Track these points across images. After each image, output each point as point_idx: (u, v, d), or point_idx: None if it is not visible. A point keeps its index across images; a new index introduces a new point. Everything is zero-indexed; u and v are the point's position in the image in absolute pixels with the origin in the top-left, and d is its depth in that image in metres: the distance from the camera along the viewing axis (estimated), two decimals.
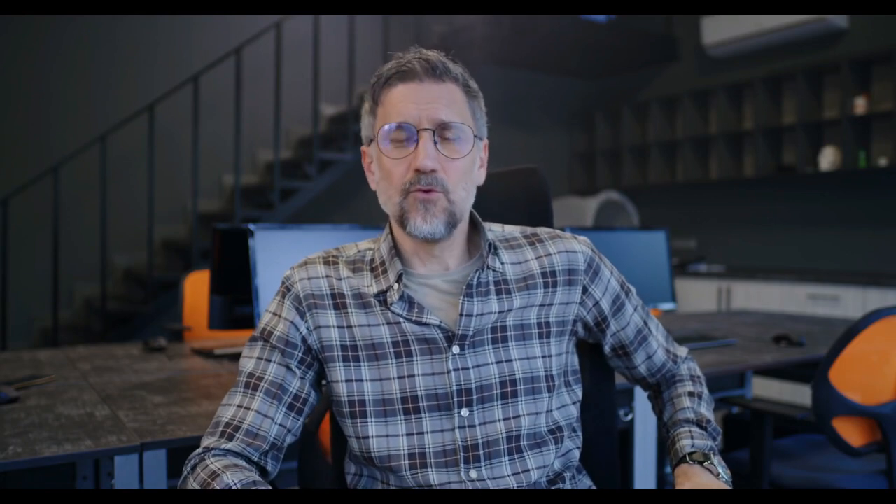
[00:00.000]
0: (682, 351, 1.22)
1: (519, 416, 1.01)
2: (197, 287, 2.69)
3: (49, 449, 1.18)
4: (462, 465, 0.98)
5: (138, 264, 4.64)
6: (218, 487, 0.90)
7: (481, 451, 0.99)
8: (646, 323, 1.16)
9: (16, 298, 4.25)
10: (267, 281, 1.84)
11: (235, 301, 2.00)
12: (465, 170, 1.00)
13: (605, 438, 1.24)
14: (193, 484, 0.93)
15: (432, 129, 0.97)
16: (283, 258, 1.84)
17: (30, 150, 4.48)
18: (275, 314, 1.04)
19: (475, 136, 1.02)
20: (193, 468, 0.95)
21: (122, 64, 4.76)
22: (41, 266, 4.35)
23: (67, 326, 4.43)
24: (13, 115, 4.47)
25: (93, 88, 4.67)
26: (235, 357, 2.09)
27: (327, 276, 1.04)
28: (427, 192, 0.97)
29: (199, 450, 0.97)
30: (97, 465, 1.30)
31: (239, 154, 4.48)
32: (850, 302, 4.19)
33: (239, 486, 0.90)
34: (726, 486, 1.02)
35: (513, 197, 1.26)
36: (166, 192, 4.70)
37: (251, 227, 1.86)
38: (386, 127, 0.99)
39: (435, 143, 0.98)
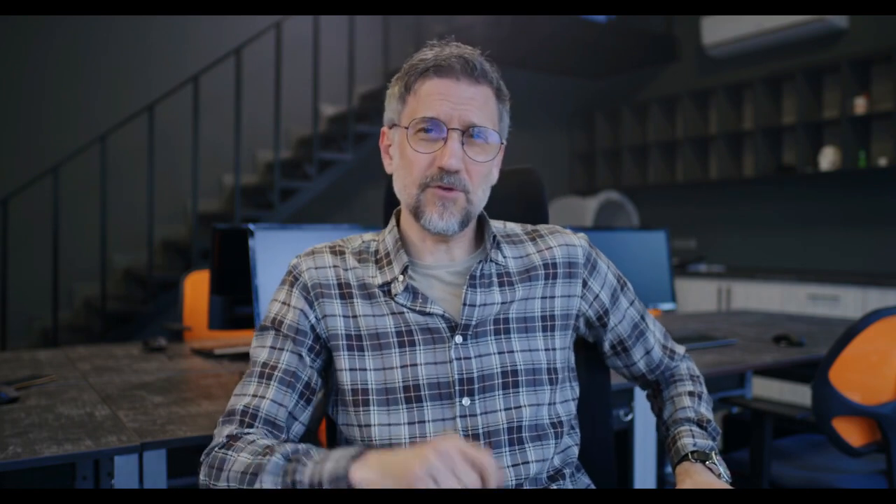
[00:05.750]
0: (680, 349, 1.22)
1: (520, 407, 1.02)
2: (197, 287, 2.68)
3: (49, 449, 1.18)
4: None
5: (138, 264, 4.64)
6: (279, 453, 0.90)
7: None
8: (643, 317, 1.17)
9: (16, 298, 4.25)
10: (267, 281, 1.84)
11: (235, 301, 2.00)
12: (487, 173, 1.03)
13: (602, 438, 1.25)
14: (240, 458, 0.91)
15: (462, 129, 0.99)
16: (283, 258, 1.83)
17: (30, 150, 4.48)
18: (284, 303, 1.05)
19: (500, 142, 1.04)
20: (225, 445, 0.94)
21: (121, 64, 4.75)
22: (41, 266, 4.35)
23: (67, 326, 4.43)
24: (13, 115, 4.47)
25: (93, 88, 4.67)
26: (235, 357, 2.09)
27: (334, 266, 1.05)
28: (448, 189, 0.98)
29: (222, 438, 0.97)
30: (97, 465, 1.30)
31: (239, 154, 4.48)
32: (850, 302, 4.19)
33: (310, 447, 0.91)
34: (728, 486, 1.02)
35: (509, 197, 1.27)
36: (166, 192, 4.70)
37: (251, 227, 1.85)
38: (416, 118, 1.00)
39: (462, 143, 0.99)
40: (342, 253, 1.07)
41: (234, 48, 4.45)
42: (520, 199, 1.28)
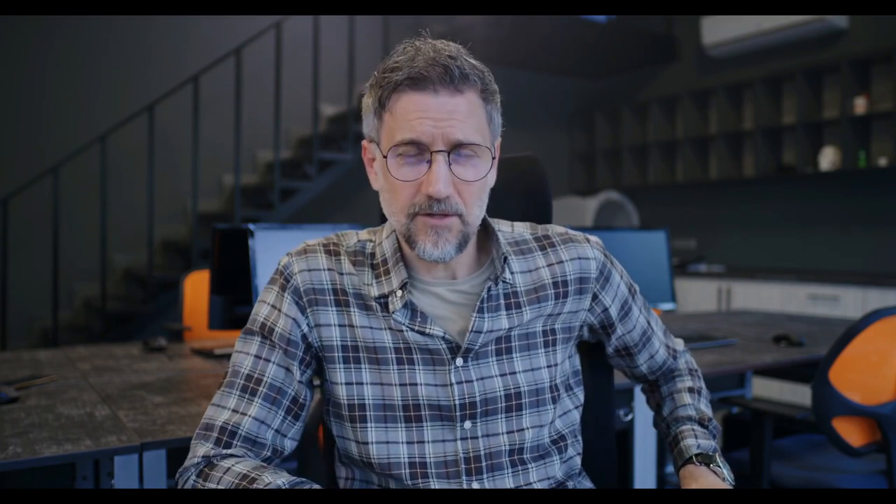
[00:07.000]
0: (679, 344, 1.21)
1: (523, 430, 0.99)
2: (197, 287, 2.68)
3: (49, 449, 1.18)
4: (464, 477, 0.96)
5: (138, 264, 4.64)
6: (261, 487, 0.85)
7: (483, 463, 0.97)
8: (649, 323, 1.15)
9: (16, 298, 4.25)
10: (267, 281, 1.84)
11: (235, 301, 2.00)
12: (481, 189, 0.94)
13: (604, 439, 1.24)
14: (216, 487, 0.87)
15: (447, 150, 0.89)
16: None
17: (30, 150, 4.48)
18: (274, 307, 0.98)
19: (492, 156, 0.95)
20: (201, 473, 0.90)
21: (121, 64, 4.75)
22: (41, 266, 4.35)
23: (67, 326, 4.43)
24: (13, 115, 4.47)
25: (93, 88, 4.67)
26: None
27: (329, 269, 0.98)
28: (439, 216, 0.90)
29: (197, 459, 0.91)
30: (97, 465, 1.30)
31: (239, 154, 4.48)
32: (850, 302, 4.19)
33: (289, 487, 0.85)
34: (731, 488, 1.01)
35: (511, 185, 1.22)
36: (166, 192, 4.70)
37: (251, 227, 1.85)
38: (396, 142, 0.90)
39: (449, 164, 0.90)
40: (337, 254, 0.99)
41: (234, 48, 4.45)
42: (521, 189, 1.22)
